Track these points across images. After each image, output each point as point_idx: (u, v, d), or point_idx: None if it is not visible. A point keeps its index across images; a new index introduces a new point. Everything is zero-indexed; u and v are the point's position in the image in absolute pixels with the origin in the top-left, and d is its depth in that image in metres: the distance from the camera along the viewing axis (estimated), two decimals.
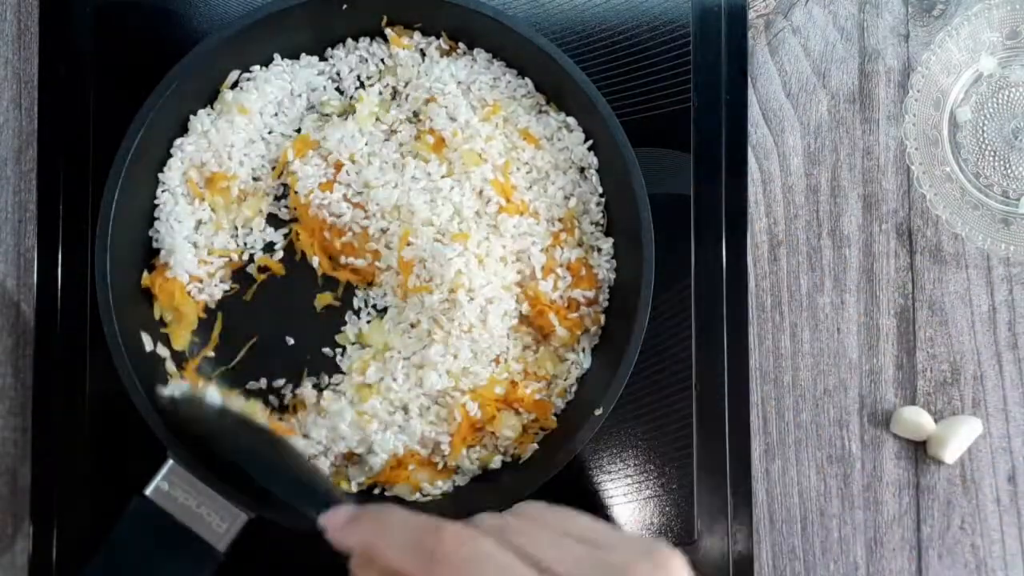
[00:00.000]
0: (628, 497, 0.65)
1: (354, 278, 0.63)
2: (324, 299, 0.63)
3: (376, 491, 0.62)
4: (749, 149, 0.68)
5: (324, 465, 0.62)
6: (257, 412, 0.60)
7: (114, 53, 0.66)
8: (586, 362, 0.63)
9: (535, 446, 0.61)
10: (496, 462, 0.61)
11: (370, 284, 0.63)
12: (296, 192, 0.62)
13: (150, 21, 0.66)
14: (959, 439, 0.66)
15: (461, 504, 0.60)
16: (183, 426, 0.55)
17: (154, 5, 0.66)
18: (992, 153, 0.69)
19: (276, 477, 0.52)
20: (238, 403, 0.58)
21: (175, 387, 0.57)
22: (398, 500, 0.61)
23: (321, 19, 0.62)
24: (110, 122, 0.64)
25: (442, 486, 0.61)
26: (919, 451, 0.67)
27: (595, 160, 0.63)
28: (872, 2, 0.69)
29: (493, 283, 0.61)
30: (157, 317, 0.62)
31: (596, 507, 0.65)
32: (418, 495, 0.61)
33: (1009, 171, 0.69)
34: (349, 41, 0.65)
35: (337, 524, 0.45)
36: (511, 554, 0.39)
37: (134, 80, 0.61)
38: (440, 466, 0.61)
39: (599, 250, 0.63)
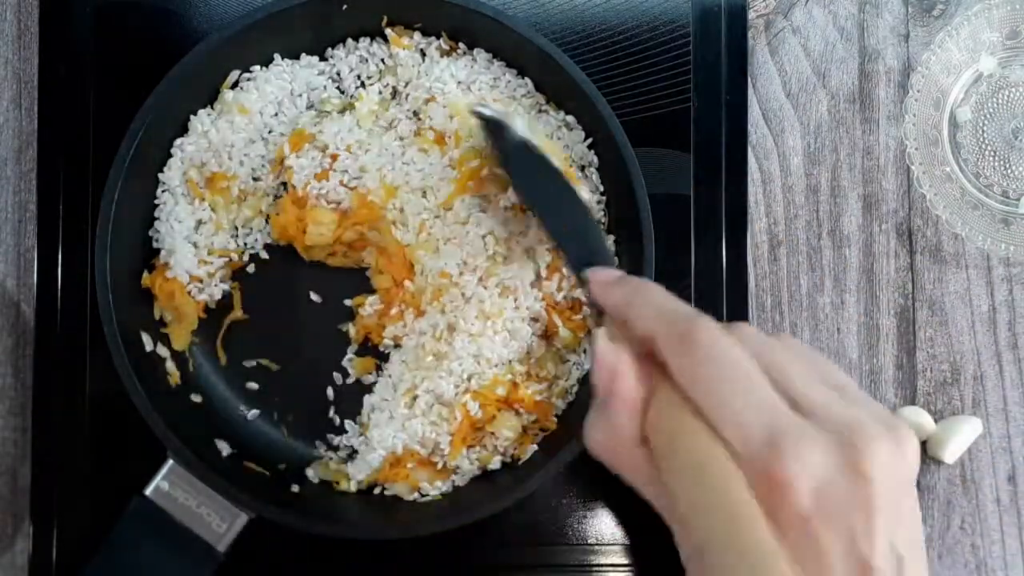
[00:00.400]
0: (628, 497, 0.65)
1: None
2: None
3: (376, 491, 0.62)
4: (749, 149, 0.68)
5: (328, 464, 0.62)
6: (557, 154, 0.59)
7: (114, 53, 0.66)
8: (587, 363, 0.63)
9: (534, 447, 0.61)
10: (495, 463, 0.61)
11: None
12: (293, 185, 0.62)
13: (150, 21, 0.66)
14: (959, 439, 0.66)
15: (461, 504, 0.60)
16: (495, 143, 0.55)
17: (154, 5, 0.66)
18: (992, 153, 0.69)
19: (559, 220, 0.51)
20: (540, 141, 0.58)
21: (484, 107, 0.57)
22: (396, 499, 0.61)
23: (321, 19, 0.62)
24: (110, 122, 0.64)
25: (441, 486, 0.61)
26: (919, 451, 0.67)
27: (595, 159, 0.63)
28: (872, 2, 0.69)
29: (519, 275, 0.61)
30: (157, 317, 0.62)
31: (595, 507, 0.66)
32: (416, 495, 0.61)
33: (1009, 171, 0.69)
34: (349, 41, 0.64)
35: (602, 280, 0.44)
36: (759, 370, 0.38)
37: (134, 80, 0.61)
38: (440, 466, 0.61)
39: None
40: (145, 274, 0.62)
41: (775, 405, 0.37)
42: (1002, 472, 0.67)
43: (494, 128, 0.56)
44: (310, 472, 0.62)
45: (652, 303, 0.41)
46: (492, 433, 0.61)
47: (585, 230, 0.52)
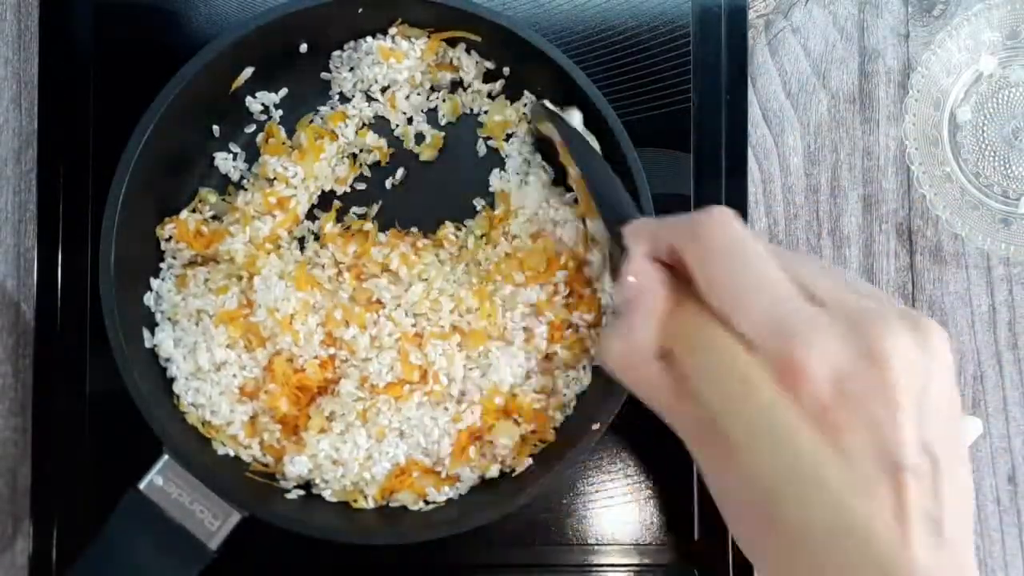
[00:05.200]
0: (628, 497, 0.65)
1: None
2: None
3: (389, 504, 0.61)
4: (749, 149, 0.68)
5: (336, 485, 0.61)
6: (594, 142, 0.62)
7: (114, 53, 0.66)
8: (586, 379, 0.62)
9: (529, 460, 0.61)
10: (494, 471, 0.61)
11: None
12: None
13: (150, 21, 0.66)
14: None
15: (464, 510, 0.60)
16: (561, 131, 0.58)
17: (154, 5, 0.66)
18: (992, 153, 0.69)
19: (604, 191, 0.52)
20: (583, 131, 0.60)
21: (546, 104, 0.60)
22: (403, 509, 0.61)
23: (338, 20, 0.62)
24: (110, 122, 0.64)
25: (448, 492, 0.61)
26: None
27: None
28: (872, 2, 0.69)
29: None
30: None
31: (595, 507, 0.65)
32: (422, 504, 0.60)
33: (1009, 171, 0.69)
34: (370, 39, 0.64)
35: (633, 230, 0.44)
36: (774, 264, 0.37)
37: (134, 80, 0.60)
38: (443, 474, 0.61)
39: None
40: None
41: (789, 295, 0.36)
42: (1002, 472, 0.67)
43: (557, 120, 0.58)
44: (327, 493, 0.60)
45: (671, 221, 0.41)
46: (490, 442, 0.61)
47: (619, 197, 0.53)
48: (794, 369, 0.34)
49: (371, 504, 0.60)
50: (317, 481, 0.60)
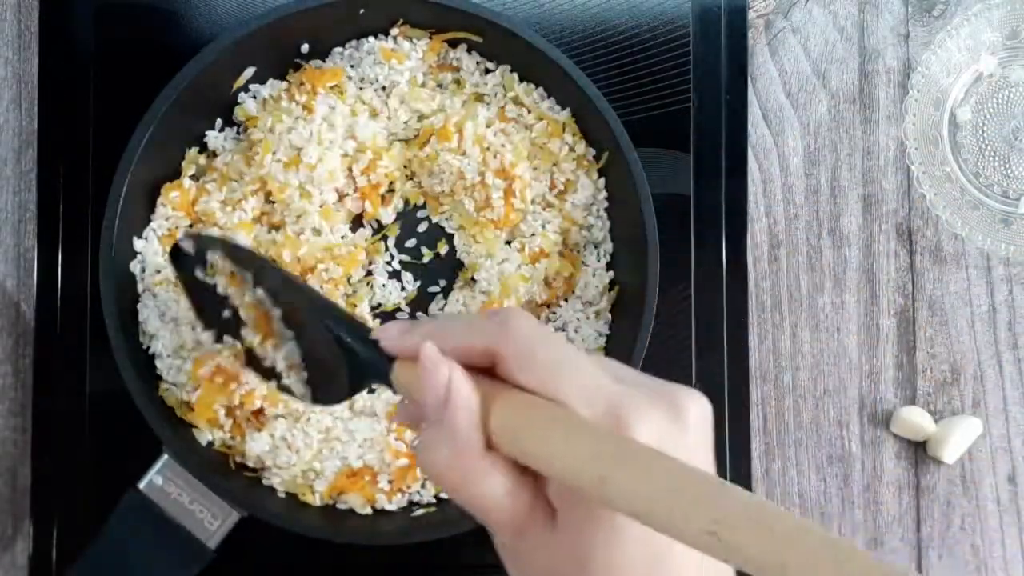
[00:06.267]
0: None
1: None
2: None
3: (339, 505, 0.61)
4: (749, 149, 0.68)
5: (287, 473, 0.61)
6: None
7: (114, 53, 0.66)
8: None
9: None
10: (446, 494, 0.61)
11: None
12: None
13: (150, 21, 0.66)
14: (959, 439, 0.66)
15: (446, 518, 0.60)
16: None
17: (154, 5, 0.66)
18: (992, 153, 0.69)
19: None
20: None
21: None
22: (351, 512, 0.60)
23: (340, 20, 0.62)
24: (110, 122, 0.64)
25: (401, 500, 0.60)
26: (919, 451, 0.67)
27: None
28: (872, 2, 0.69)
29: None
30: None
31: None
32: (369, 509, 0.60)
33: (1009, 171, 0.69)
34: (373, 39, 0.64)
35: (394, 334, 0.43)
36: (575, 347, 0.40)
37: (134, 80, 0.61)
38: (390, 488, 0.61)
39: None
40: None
41: (602, 372, 0.39)
42: (1002, 472, 0.67)
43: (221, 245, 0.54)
44: (276, 481, 0.60)
45: (458, 321, 0.44)
46: None
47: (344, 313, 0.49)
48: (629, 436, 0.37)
49: (318, 501, 0.60)
50: (270, 464, 0.59)
